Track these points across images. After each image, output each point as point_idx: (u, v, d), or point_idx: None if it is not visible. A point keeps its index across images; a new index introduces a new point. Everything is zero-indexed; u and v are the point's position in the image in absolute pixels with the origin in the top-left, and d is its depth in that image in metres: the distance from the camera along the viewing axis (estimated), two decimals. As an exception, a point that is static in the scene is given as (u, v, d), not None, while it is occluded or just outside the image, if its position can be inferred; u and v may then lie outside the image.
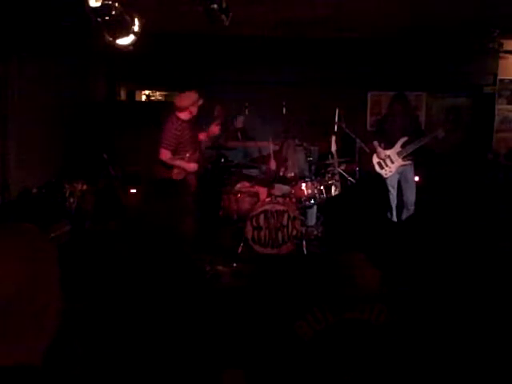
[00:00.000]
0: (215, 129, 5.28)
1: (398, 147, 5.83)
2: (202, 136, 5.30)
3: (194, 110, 5.02)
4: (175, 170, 4.92)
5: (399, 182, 5.96)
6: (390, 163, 5.87)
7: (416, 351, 1.77)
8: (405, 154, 5.82)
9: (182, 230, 2.00)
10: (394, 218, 6.03)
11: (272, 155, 5.87)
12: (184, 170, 4.96)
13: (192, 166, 5.04)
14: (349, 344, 1.70)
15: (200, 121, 5.33)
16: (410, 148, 5.79)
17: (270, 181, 5.66)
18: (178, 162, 4.92)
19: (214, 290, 4.01)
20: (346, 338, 1.69)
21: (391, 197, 5.96)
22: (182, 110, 4.96)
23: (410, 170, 5.95)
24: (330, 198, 5.47)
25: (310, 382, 1.68)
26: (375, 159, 5.92)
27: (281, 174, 5.64)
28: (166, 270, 1.78)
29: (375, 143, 5.93)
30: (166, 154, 4.88)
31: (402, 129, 5.83)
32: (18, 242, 0.91)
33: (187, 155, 4.93)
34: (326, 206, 5.65)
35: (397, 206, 6.06)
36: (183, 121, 4.96)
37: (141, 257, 1.84)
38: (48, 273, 0.91)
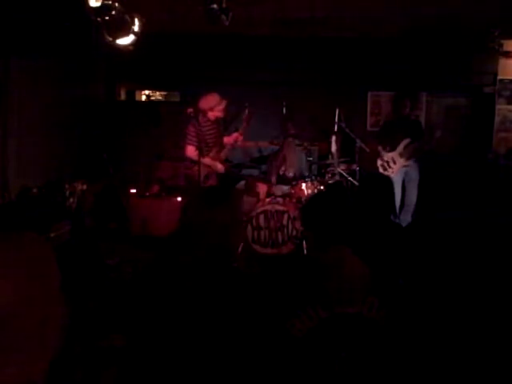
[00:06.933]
0: (239, 138, 5.24)
1: (400, 148, 5.89)
2: (227, 140, 5.26)
3: (218, 112, 5.01)
4: (197, 167, 4.89)
5: (403, 182, 6.01)
6: (392, 164, 5.94)
7: (409, 343, 1.78)
8: (407, 156, 5.87)
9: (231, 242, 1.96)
10: (398, 220, 6.05)
11: (272, 155, 5.87)
12: (208, 168, 4.96)
13: (219, 167, 5.09)
14: (343, 338, 1.70)
15: (228, 122, 5.34)
16: (411, 149, 5.84)
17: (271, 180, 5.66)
18: (206, 160, 4.91)
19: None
20: (339, 332, 1.70)
21: (396, 198, 6.01)
22: (204, 112, 4.97)
23: (415, 170, 6.00)
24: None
25: (306, 379, 1.69)
26: (379, 162, 6.03)
27: (280, 173, 5.64)
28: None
29: (379, 148, 5.99)
30: (191, 150, 4.88)
31: (405, 130, 5.88)
32: (19, 252, 0.87)
33: (211, 154, 4.95)
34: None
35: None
36: (207, 119, 4.98)
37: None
38: (48, 284, 0.88)
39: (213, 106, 4.99)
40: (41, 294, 0.86)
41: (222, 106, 5.01)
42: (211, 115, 5.01)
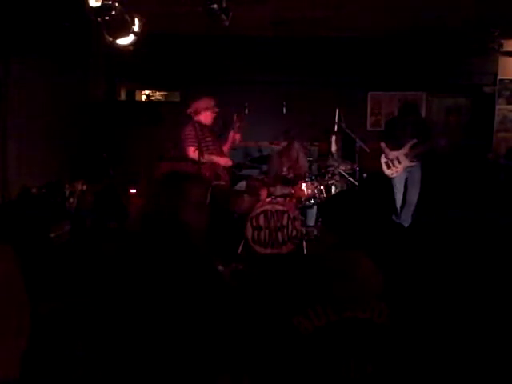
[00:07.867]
0: (236, 136, 5.29)
1: (406, 149, 5.87)
2: (226, 147, 5.30)
3: (208, 116, 5.05)
4: (203, 167, 4.88)
5: (405, 182, 6.01)
6: (397, 164, 5.93)
7: (417, 350, 1.77)
8: (412, 157, 5.86)
9: (193, 225, 1.93)
10: (399, 220, 6.05)
11: (276, 155, 5.88)
12: (214, 165, 4.98)
13: (224, 160, 5.11)
14: (349, 340, 1.69)
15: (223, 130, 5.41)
16: (418, 150, 5.83)
17: (272, 180, 5.66)
18: (208, 157, 4.91)
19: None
20: (346, 334, 1.68)
21: (397, 198, 6.01)
22: (197, 113, 4.98)
23: (418, 170, 6.00)
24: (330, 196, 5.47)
25: (310, 377, 1.68)
26: (383, 159, 5.99)
27: (284, 174, 5.63)
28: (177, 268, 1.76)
29: (382, 144, 5.97)
30: (193, 151, 4.88)
31: (411, 130, 5.88)
32: None
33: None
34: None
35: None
36: (202, 125, 5.01)
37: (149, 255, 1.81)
38: (17, 281, 0.90)
39: (205, 107, 5.01)
40: (13, 289, 0.88)
41: (213, 111, 5.05)
42: (202, 117, 5.01)
